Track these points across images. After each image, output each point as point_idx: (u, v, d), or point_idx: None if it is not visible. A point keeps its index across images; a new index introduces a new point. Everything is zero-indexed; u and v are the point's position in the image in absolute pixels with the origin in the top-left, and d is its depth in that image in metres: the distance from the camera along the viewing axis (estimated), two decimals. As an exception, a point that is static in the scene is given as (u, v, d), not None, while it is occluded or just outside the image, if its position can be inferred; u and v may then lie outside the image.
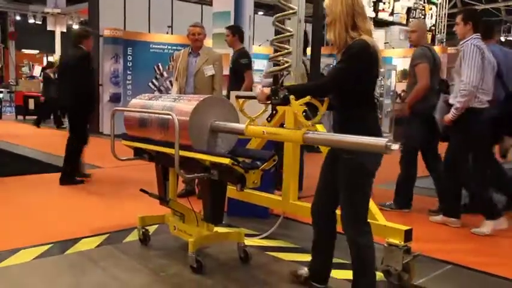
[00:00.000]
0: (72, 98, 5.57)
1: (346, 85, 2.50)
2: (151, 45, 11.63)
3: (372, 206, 3.14)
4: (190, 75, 5.03)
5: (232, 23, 7.38)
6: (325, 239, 2.83)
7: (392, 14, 16.36)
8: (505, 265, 3.48)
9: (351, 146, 2.32)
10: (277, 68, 4.01)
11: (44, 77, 13.00)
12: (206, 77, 4.99)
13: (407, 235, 2.96)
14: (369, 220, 3.08)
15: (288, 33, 3.89)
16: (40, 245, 3.54)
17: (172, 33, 12.20)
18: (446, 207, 4.46)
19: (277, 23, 3.90)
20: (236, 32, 5.76)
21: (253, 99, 2.84)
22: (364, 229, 2.60)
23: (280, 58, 3.95)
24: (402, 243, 2.93)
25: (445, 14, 17.80)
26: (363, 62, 2.48)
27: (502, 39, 25.12)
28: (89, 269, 3.15)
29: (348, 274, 3.13)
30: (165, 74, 11.72)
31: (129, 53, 11.40)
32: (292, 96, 2.47)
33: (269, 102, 2.64)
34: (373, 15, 15.81)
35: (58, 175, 5.87)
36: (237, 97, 3.04)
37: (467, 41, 4.19)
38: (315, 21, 9.75)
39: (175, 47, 11.24)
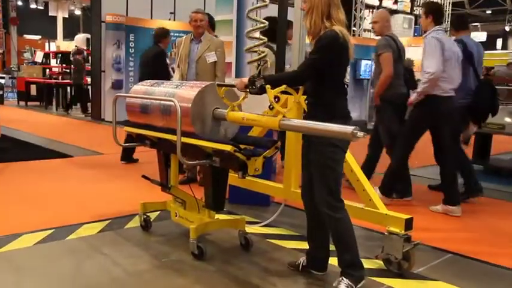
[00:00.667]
0: None
1: (318, 74, 2.63)
2: (153, 32, 11.56)
3: (373, 195, 3.16)
4: (192, 62, 5.01)
5: (235, 10, 7.32)
6: (318, 226, 2.88)
7: (396, 2, 16.28)
8: (504, 254, 3.50)
9: (321, 133, 2.49)
10: (255, 57, 4.13)
11: (74, 63, 12.91)
12: (208, 63, 4.97)
13: (408, 224, 2.97)
14: (369, 208, 3.11)
15: (262, 25, 4.01)
16: (42, 230, 3.56)
17: (174, 20, 12.13)
18: (446, 195, 4.49)
19: (249, 16, 4.04)
20: (210, 19, 5.77)
21: (233, 87, 2.95)
22: (337, 205, 2.67)
23: (257, 48, 4.07)
24: (403, 231, 2.94)
25: (449, 3, 17.68)
26: (333, 52, 2.59)
27: (507, 28, 24.97)
28: (90, 254, 3.17)
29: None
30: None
31: (131, 39, 11.34)
32: (268, 86, 2.60)
33: (247, 91, 2.74)
34: (377, 3, 15.74)
35: (60, 161, 5.91)
36: (218, 85, 3.07)
37: (429, 34, 4.41)
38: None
39: (177, 34, 11.16)
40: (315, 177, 2.72)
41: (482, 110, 4.92)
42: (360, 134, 2.23)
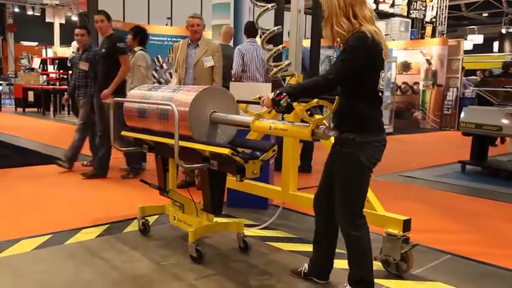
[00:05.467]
0: None
1: (348, 79, 2.42)
2: (150, 37, 11.54)
3: (371, 196, 3.16)
4: (190, 67, 5.02)
5: (231, 14, 7.37)
6: (325, 233, 2.80)
7: (393, 5, 16.31)
8: (503, 256, 3.51)
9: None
10: (277, 69, 3.86)
11: None
12: (205, 68, 4.98)
13: (406, 225, 2.98)
14: (367, 210, 3.10)
15: (275, 28, 3.87)
16: (40, 235, 3.56)
17: (171, 25, 12.17)
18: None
19: (260, 27, 3.83)
20: (110, 17, 5.92)
21: (257, 104, 2.75)
22: (357, 223, 2.55)
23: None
24: (401, 233, 2.95)
25: (446, 6, 17.74)
26: (361, 55, 2.38)
27: (503, 31, 25.07)
28: (89, 259, 3.17)
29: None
30: (164, 66, 11.70)
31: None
32: (295, 104, 2.44)
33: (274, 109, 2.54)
34: (374, 6, 15.77)
35: (58, 166, 5.90)
36: (238, 102, 3.05)
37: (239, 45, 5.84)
38: (315, 13, 9.70)
39: (174, 39, 11.20)
40: (337, 191, 2.58)
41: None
42: (331, 133, 2.39)
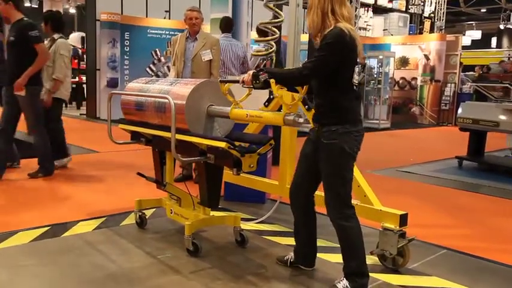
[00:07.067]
0: None
1: (323, 74, 2.54)
2: (148, 30, 11.57)
3: (368, 191, 3.16)
4: (188, 60, 5.00)
5: (230, 8, 7.32)
6: (304, 223, 2.88)
7: (391, 0, 16.29)
8: (498, 250, 3.52)
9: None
10: (262, 50, 4.10)
11: None
12: (203, 61, 4.96)
13: (403, 220, 2.98)
14: (364, 204, 3.12)
15: (280, 19, 3.96)
16: (38, 227, 3.56)
17: (170, 18, 12.12)
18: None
19: (268, 5, 3.97)
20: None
21: (237, 83, 2.87)
22: (346, 212, 2.60)
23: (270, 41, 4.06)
24: (397, 227, 2.96)
25: (444, 1, 17.72)
26: (338, 51, 2.48)
27: (501, 27, 25.06)
28: (85, 251, 3.17)
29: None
30: (162, 59, 11.67)
31: (126, 37, 11.32)
32: (272, 80, 2.53)
33: (252, 86, 2.67)
34: (372, 1, 15.74)
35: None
36: (221, 81, 3.05)
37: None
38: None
39: (173, 32, 11.17)
40: (324, 184, 2.65)
41: None
42: (301, 119, 2.51)
